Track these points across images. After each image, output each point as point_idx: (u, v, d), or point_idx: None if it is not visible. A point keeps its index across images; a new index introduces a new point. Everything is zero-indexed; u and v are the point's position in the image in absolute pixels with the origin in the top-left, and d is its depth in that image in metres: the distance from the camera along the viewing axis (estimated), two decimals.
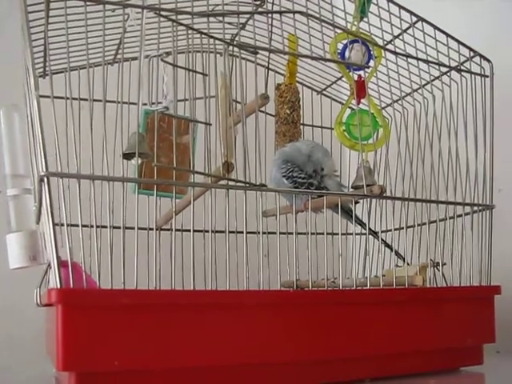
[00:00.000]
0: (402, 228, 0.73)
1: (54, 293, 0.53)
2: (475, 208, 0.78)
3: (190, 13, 0.66)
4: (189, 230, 0.62)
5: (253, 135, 0.65)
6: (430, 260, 0.74)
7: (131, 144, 0.62)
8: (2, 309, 0.95)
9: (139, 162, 0.62)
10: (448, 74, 0.80)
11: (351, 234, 0.89)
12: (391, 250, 0.81)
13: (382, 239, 0.75)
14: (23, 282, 0.69)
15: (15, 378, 0.77)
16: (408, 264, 0.76)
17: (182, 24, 0.65)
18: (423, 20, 0.78)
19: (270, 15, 0.72)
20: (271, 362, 0.61)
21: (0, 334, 0.95)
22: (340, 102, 1.03)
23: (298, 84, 0.94)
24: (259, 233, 0.67)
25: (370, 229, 0.77)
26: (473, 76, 0.81)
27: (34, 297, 0.61)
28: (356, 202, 0.83)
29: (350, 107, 0.85)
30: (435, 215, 0.74)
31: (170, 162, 0.76)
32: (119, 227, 0.61)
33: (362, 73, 0.78)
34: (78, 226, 0.56)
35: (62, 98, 0.65)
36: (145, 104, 0.66)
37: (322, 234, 0.87)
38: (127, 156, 0.64)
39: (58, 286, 0.54)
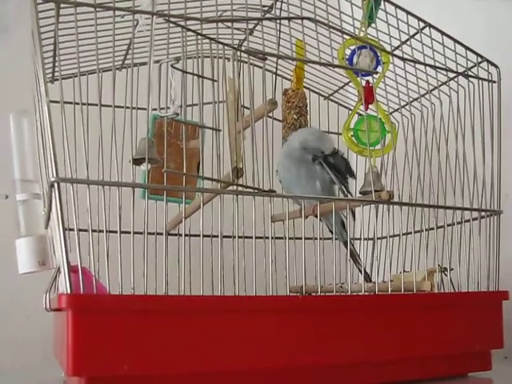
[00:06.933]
0: (410, 233, 0.73)
1: (64, 298, 0.53)
2: (483, 213, 0.77)
3: (199, 19, 0.66)
4: (197, 235, 0.62)
5: (261, 141, 0.65)
6: (438, 265, 0.74)
7: (140, 149, 0.62)
8: (10, 313, 0.96)
9: (148, 167, 0.62)
10: (455, 79, 0.80)
11: (359, 239, 0.89)
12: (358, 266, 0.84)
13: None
14: (31, 287, 0.69)
15: (24, 382, 0.77)
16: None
17: (191, 30, 0.65)
18: (431, 26, 0.78)
19: (278, 21, 0.72)
20: (279, 367, 0.61)
21: (7, 338, 0.95)
22: (347, 107, 1.03)
23: (305, 89, 0.94)
24: (267, 238, 0.67)
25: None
26: (480, 81, 0.80)
27: (43, 302, 0.61)
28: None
29: (358, 113, 0.85)
30: (443, 220, 0.74)
31: (177, 167, 0.76)
32: (128, 232, 0.61)
33: (369, 78, 0.78)
34: (87, 230, 0.56)
35: (71, 103, 0.65)
36: (154, 109, 0.66)
37: (330, 238, 0.88)
38: (136, 161, 0.64)
39: (68, 291, 0.54)
